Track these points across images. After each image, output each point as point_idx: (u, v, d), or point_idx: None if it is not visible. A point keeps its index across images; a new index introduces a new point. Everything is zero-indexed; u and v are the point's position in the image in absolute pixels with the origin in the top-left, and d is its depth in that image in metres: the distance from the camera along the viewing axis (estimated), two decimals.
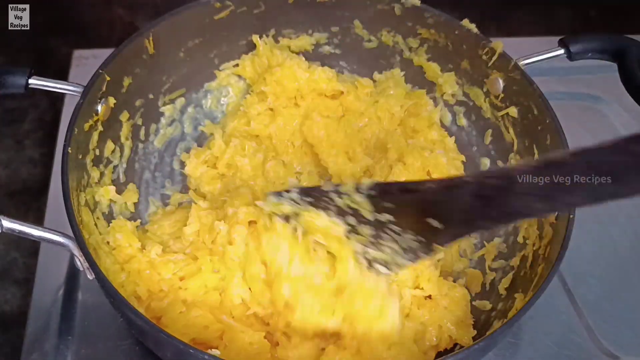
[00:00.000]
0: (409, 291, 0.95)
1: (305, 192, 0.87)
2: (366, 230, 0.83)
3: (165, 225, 1.02)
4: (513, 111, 1.05)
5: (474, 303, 0.99)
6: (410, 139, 1.12)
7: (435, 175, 1.07)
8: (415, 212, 0.78)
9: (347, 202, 0.83)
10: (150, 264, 0.93)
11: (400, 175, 1.03)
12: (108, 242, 0.94)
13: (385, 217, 0.80)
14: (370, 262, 0.85)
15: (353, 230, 0.84)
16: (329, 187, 0.85)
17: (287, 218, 0.88)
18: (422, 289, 0.96)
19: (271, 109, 1.15)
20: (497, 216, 0.71)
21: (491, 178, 0.70)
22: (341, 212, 0.84)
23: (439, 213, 0.75)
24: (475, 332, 0.94)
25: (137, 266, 0.92)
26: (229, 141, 1.11)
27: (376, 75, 1.21)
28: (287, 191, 0.88)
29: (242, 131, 1.14)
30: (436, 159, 1.07)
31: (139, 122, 1.09)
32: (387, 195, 0.80)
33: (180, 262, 0.93)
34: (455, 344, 0.94)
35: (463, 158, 1.12)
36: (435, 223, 0.76)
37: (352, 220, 0.83)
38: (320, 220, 0.85)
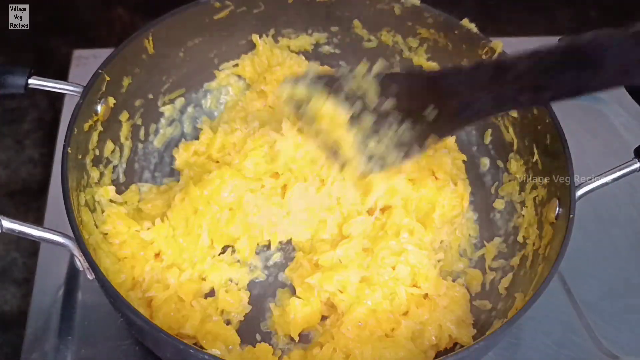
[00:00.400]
0: (404, 288, 0.95)
1: (320, 76, 0.91)
2: (368, 119, 0.86)
3: (159, 204, 1.03)
4: (513, 111, 1.05)
5: (473, 303, 0.99)
6: None
7: (440, 176, 1.07)
8: (417, 96, 0.82)
9: (357, 84, 0.87)
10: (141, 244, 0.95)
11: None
12: (105, 234, 0.94)
13: (389, 103, 0.84)
14: (368, 158, 0.89)
15: (357, 118, 0.87)
16: (343, 72, 0.89)
17: (298, 107, 0.92)
18: (420, 287, 0.96)
19: (271, 107, 1.15)
20: (489, 103, 0.78)
21: (485, 65, 0.78)
22: (349, 97, 0.87)
23: (438, 99, 0.80)
24: (475, 331, 0.94)
25: (131, 251, 0.94)
26: (217, 128, 1.11)
27: None
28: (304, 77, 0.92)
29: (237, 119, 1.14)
30: (440, 158, 1.07)
31: (139, 122, 1.09)
32: (395, 78, 0.85)
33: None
34: (455, 344, 0.94)
35: (464, 157, 1.12)
36: (433, 111, 0.81)
37: (358, 105, 0.87)
38: (327, 106, 0.88)
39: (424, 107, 0.82)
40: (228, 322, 0.96)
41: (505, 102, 0.79)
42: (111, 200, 1.00)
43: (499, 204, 1.09)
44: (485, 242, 1.07)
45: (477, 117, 0.85)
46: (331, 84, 0.89)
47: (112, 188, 1.00)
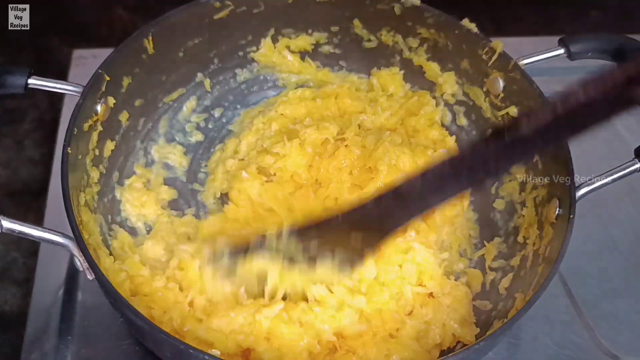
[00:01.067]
0: (410, 287, 0.95)
1: (233, 251, 0.90)
2: (302, 265, 0.88)
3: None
4: (513, 111, 1.05)
5: (474, 303, 0.99)
6: (412, 138, 1.12)
7: None
8: (336, 236, 0.86)
9: (276, 246, 0.88)
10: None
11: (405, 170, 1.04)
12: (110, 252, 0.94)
13: (313, 244, 0.87)
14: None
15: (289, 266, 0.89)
16: (255, 243, 0.89)
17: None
18: (425, 286, 0.96)
19: None
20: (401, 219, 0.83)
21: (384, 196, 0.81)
22: (275, 255, 0.88)
23: (357, 227, 0.85)
24: (478, 329, 0.94)
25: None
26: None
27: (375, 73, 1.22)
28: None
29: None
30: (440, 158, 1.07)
31: (139, 122, 1.09)
32: (308, 230, 0.88)
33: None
34: (458, 342, 0.94)
35: None
36: (356, 236, 0.85)
37: (286, 260, 0.88)
38: (257, 262, 0.88)
39: (346, 239, 0.86)
40: None
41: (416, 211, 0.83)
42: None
43: (499, 204, 1.09)
44: (485, 242, 1.06)
45: (403, 222, 0.85)
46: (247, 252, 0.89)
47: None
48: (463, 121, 1.16)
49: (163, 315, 0.88)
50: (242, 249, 0.89)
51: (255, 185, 1.05)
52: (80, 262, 0.84)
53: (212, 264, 0.90)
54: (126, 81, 1.02)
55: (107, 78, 0.96)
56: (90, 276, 0.83)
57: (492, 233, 1.07)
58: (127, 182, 1.07)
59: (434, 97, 1.17)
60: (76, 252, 0.82)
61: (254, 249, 0.88)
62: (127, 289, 0.91)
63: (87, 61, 1.30)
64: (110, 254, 0.95)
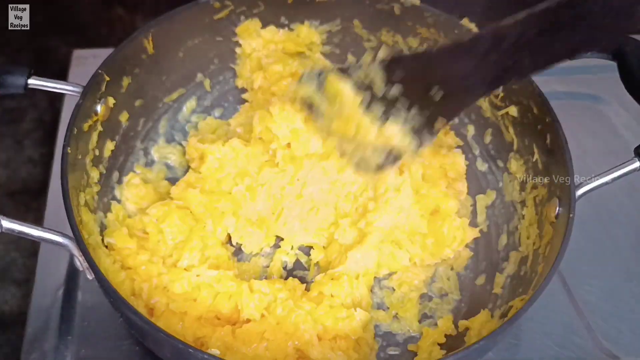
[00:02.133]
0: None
1: (326, 69, 0.93)
2: (377, 108, 0.88)
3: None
4: (513, 110, 1.05)
5: (474, 302, 0.99)
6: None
7: (452, 175, 1.07)
8: (422, 78, 0.84)
9: (364, 74, 0.88)
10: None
11: (416, 172, 1.05)
12: (106, 245, 0.94)
13: (396, 89, 0.86)
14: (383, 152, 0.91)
15: (368, 108, 0.89)
16: (350, 62, 0.93)
17: (310, 105, 0.95)
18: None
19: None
20: (491, 75, 0.79)
21: (484, 36, 0.79)
22: (359, 86, 0.89)
23: (442, 79, 0.82)
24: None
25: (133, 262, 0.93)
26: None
27: None
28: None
29: None
30: (454, 157, 1.08)
31: (139, 122, 1.09)
32: (400, 62, 0.86)
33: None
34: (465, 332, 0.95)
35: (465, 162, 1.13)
36: (438, 92, 0.83)
37: (367, 95, 0.88)
38: (341, 88, 0.90)
39: (429, 88, 0.83)
40: None
41: (507, 72, 0.80)
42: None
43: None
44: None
45: (481, 92, 0.86)
46: (340, 72, 0.91)
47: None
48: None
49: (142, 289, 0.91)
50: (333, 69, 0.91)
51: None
52: (80, 262, 0.84)
53: (302, 78, 0.93)
54: (126, 81, 1.02)
55: (107, 78, 0.96)
56: (90, 276, 0.83)
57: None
58: (125, 179, 1.07)
59: None
60: (76, 252, 0.82)
61: (346, 70, 0.89)
62: (127, 289, 0.91)
63: (87, 61, 1.30)
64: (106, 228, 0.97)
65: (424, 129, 0.87)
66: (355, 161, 0.95)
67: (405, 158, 0.92)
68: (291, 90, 0.95)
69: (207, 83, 1.19)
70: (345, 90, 0.90)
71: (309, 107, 0.97)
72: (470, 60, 0.80)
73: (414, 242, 1.01)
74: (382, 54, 0.88)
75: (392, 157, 0.91)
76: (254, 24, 1.15)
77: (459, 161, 1.09)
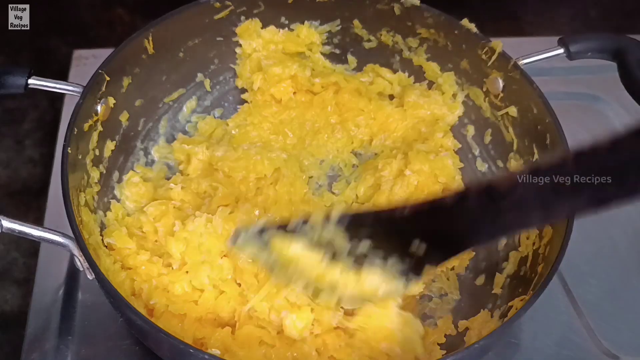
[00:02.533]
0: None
1: (267, 228, 0.76)
2: (345, 261, 0.74)
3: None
4: (513, 110, 1.05)
5: (474, 303, 0.99)
6: (422, 144, 1.12)
7: (442, 179, 1.07)
8: (396, 234, 0.72)
9: (318, 235, 0.74)
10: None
11: (411, 181, 1.05)
12: (106, 245, 0.94)
13: (363, 246, 0.73)
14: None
15: (331, 261, 0.75)
16: (296, 224, 0.75)
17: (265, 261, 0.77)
18: None
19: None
20: (488, 231, 0.66)
21: (476, 191, 0.65)
22: (314, 244, 0.75)
23: (422, 232, 0.70)
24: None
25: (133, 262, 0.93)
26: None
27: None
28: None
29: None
30: (442, 161, 1.07)
31: (139, 122, 1.09)
32: (362, 219, 0.74)
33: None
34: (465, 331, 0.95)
35: (461, 164, 1.13)
36: (421, 245, 0.70)
37: (329, 250, 0.74)
38: (295, 245, 0.75)
39: (408, 242, 0.70)
40: None
41: (511, 226, 0.67)
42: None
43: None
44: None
45: (479, 242, 0.74)
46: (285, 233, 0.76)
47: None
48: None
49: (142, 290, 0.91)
50: (276, 229, 0.75)
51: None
52: (80, 262, 0.84)
53: (239, 240, 0.76)
54: (126, 81, 1.02)
55: (107, 78, 0.96)
56: (90, 276, 0.83)
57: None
58: (125, 177, 1.06)
59: None
60: (76, 252, 0.82)
61: (292, 231, 0.74)
62: (127, 289, 0.91)
63: (87, 61, 1.30)
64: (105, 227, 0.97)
65: (409, 273, 0.73)
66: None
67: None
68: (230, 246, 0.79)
69: (207, 83, 1.19)
70: (297, 251, 0.75)
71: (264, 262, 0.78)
72: (459, 216, 0.67)
73: None
74: (336, 214, 0.74)
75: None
76: (254, 24, 1.15)
77: (449, 164, 1.09)
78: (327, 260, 0.74)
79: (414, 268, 0.72)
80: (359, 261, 0.73)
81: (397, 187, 1.05)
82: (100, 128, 0.98)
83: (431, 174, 1.07)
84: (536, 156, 1.00)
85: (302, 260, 0.75)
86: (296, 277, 0.75)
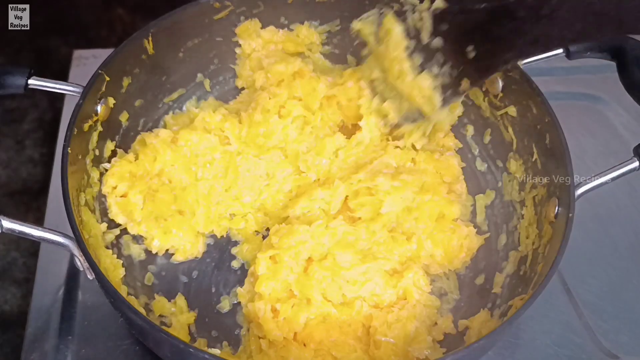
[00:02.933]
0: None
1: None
2: (417, 58, 0.95)
3: None
4: (512, 110, 1.05)
5: (474, 303, 0.99)
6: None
7: (448, 179, 1.07)
8: (461, 36, 0.90)
9: (417, 18, 0.94)
10: None
11: (416, 181, 1.05)
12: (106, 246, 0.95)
13: (437, 42, 0.92)
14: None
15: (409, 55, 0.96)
16: (412, 2, 0.96)
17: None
18: None
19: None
20: (525, 45, 0.83)
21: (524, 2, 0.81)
22: (409, 33, 0.96)
23: (477, 39, 0.88)
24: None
25: None
26: None
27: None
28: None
29: None
30: (447, 161, 1.07)
31: (139, 122, 1.09)
32: (448, 15, 0.91)
33: None
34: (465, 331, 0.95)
35: (463, 164, 1.12)
36: (472, 51, 0.89)
37: (411, 44, 0.95)
38: (397, 26, 0.97)
39: (465, 46, 0.89)
40: None
41: (551, 41, 0.84)
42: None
43: None
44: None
45: (507, 59, 0.89)
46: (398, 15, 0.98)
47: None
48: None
49: None
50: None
51: None
52: (80, 262, 0.84)
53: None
54: (126, 81, 1.02)
55: (107, 78, 0.96)
56: (90, 276, 0.83)
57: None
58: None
59: None
60: (76, 252, 0.82)
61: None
62: (127, 289, 0.91)
63: (87, 61, 1.30)
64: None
65: (450, 89, 0.93)
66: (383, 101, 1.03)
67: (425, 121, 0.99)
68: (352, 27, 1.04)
69: (207, 83, 1.19)
70: (395, 31, 0.96)
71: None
72: (506, 23, 0.84)
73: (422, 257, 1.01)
74: (437, 3, 0.93)
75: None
76: (253, 24, 1.15)
77: (454, 164, 1.09)
78: (409, 51, 0.95)
79: (456, 82, 0.92)
80: (427, 60, 0.94)
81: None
82: (100, 128, 0.98)
83: (436, 173, 1.07)
84: (535, 156, 1.00)
85: (393, 40, 0.97)
86: (382, 56, 0.99)
